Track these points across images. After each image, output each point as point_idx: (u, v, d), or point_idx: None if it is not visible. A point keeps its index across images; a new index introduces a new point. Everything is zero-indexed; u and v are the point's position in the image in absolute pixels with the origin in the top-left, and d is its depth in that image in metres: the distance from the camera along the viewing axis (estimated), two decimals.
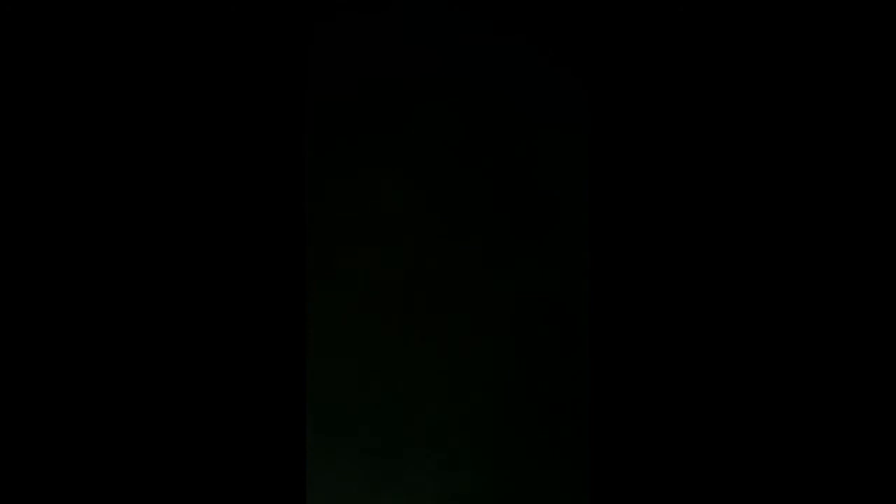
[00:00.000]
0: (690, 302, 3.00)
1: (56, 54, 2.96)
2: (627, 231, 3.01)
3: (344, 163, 2.93)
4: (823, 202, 3.01)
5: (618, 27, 3.03)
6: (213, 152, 2.98)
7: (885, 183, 3.00)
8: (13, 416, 2.92)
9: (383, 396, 2.89)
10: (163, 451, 2.94)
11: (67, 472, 2.93)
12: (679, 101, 3.02)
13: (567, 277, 2.94)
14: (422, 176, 2.93)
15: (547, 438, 2.91)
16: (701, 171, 3.02)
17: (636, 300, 3.00)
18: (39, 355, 2.93)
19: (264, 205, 2.97)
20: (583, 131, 2.95)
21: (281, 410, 2.95)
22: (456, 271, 2.92)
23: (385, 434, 2.89)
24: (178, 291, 2.96)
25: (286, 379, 2.95)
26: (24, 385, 2.92)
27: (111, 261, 2.95)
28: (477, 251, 2.93)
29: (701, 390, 2.99)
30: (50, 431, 2.93)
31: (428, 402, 2.90)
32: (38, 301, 2.93)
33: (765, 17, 3.01)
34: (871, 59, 3.01)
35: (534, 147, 2.94)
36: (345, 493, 2.88)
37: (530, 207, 2.94)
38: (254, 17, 2.97)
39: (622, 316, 3.00)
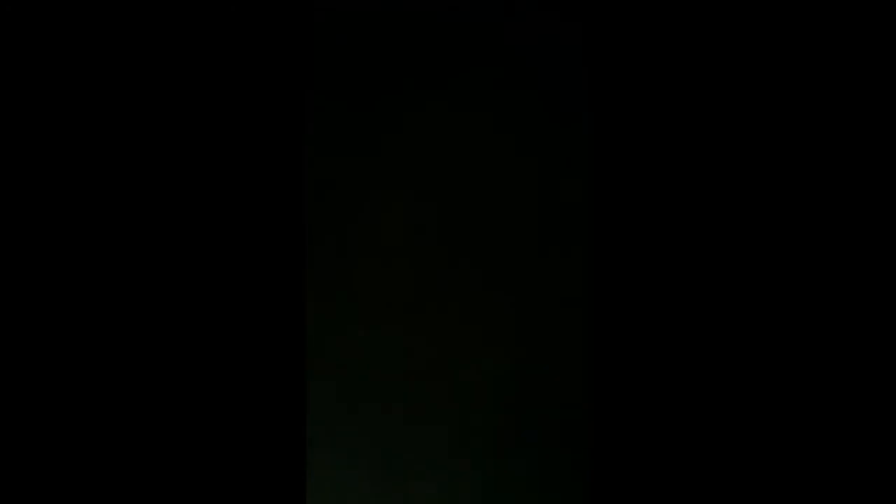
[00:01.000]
0: (695, 305, 3.02)
1: (56, 54, 2.97)
2: (628, 232, 3.03)
3: (344, 163, 2.93)
4: (831, 202, 3.03)
5: (618, 27, 3.04)
6: (213, 152, 2.98)
7: (894, 183, 3.03)
8: (13, 416, 2.93)
9: (383, 405, 2.90)
10: (163, 455, 2.95)
11: (67, 472, 2.94)
12: (683, 102, 3.04)
13: (569, 284, 2.94)
14: (422, 175, 2.94)
15: (549, 445, 2.91)
16: (702, 172, 3.04)
17: (641, 306, 3.02)
18: (37, 357, 2.94)
19: (264, 205, 2.98)
20: (585, 131, 2.96)
21: (280, 418, 2.96)
22: (457, 275, 2.92)
23: (385, 443, 2.89)
24: (179, 292, 2.96)
25: (286, 386, 2.96)
26: (23, 385, 2.94)
27: (109, 262, 2.96)
28: (480, 255, 2.93)
29: (709, 397, 3.02)
30: (49, 431, 2.94)
31: (428, 408, 2.90)
32: (35, 304, 2.95)
33: (783, 7, 3.04)
34: (884, 56, 3.04)
35: (536, 148, 2.95)
36: (344, 500, 2.89)
37: (531, 208, 2.95)
38: (254, 15, 2.98)
39: (626, 322, 3.02)
